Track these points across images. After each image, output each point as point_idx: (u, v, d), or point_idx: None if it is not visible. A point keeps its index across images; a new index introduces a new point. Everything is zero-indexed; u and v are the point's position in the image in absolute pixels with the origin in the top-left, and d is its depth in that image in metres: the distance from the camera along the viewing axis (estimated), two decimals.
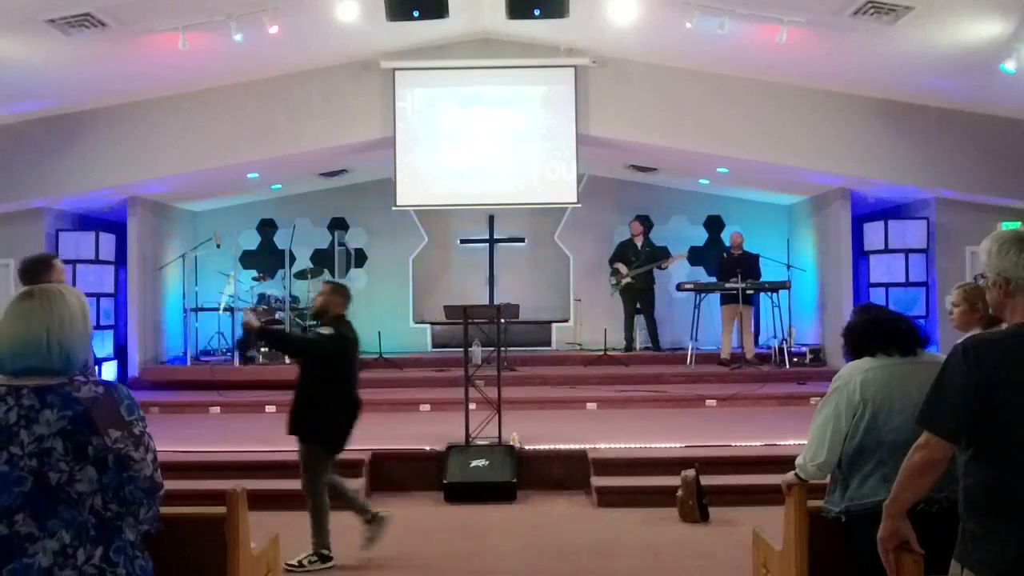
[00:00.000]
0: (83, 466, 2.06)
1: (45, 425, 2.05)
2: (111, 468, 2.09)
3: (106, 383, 2.17)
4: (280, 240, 12.40)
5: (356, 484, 6.36)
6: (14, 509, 2.03)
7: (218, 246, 10.70)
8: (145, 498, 2.16)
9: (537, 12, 8.07)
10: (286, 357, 10.16)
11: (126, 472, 2.11)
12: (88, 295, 9.54)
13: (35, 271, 4.31)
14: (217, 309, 10.92)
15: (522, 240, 12.74)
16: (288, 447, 6.95)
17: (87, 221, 10.91)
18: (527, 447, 6.81)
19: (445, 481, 6.45)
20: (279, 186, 12.14)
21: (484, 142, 10.24)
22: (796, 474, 3.25)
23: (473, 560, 5.17)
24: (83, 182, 9.64)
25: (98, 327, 10.15)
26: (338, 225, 12.62)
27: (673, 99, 9.71)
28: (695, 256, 12.70)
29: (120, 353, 10.68)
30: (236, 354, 10.33)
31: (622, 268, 11.40)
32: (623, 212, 12.42)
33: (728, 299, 10.64)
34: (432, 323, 12.48)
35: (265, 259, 12.38)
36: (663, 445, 6.94)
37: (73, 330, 2.18)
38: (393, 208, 10.63)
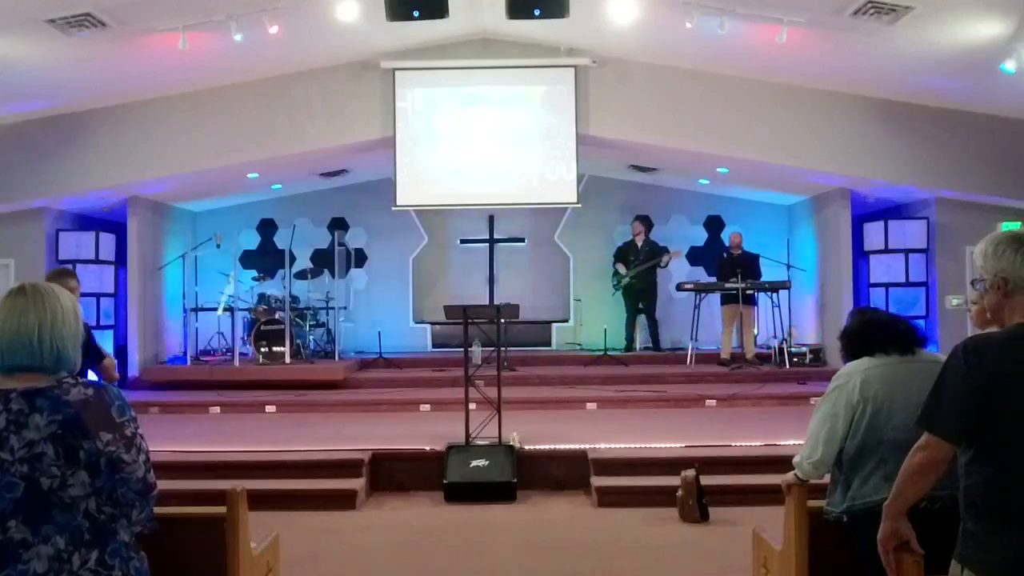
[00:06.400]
0: (75, 470, 2.03)
1: (35, 430, 2.02)
2: (103, 471, 2.06)
3: (96, 384, 2.12)
4: (280, 240, 12.40)
5: (356, 484, 6.38)
6: (7, 515, 2.00)
7: (218, 246, 10.69)
8: (137, 499, 2.14)
9: (537, 12, 8.07)
10: (286, 357, 10.19)
11: (118, 475, 2.09)
12: (88, 295, 9.50)
13: (56, 276, 4.47)
14: (217, 309, 10.93)
15: (522, 240, 12.74)
16: (288, 447, 6.99)
17: (87, 221, 10.90)
18: (527, 447, 6.80)
19: (445, 481, 6.44)
20: (279, 186, 12.14)
21: (484, 142, 10.23)
22: (795, 474, 3.25)
23: (473, 560, 5.17)
24: (83, 182, 9.64)
25: (98, 327, 10.15)
26: (338, 225, 12.62)
27: (673, 99, 9.71)
28: (695, 256, 12.70)
29: (120, 353, 10.67)
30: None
31: (621, 268, 11.42)
32: (623, 212, 12.43)
33: (728, 299, 10.64)
34: (432, 323, 12.50)
35: (265, 259, 12.38)
36: (663, 445, 6.93)
37: (65, 328, 2.15)
38: (393, 208, 10.63)
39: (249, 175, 10.79)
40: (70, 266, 8.85)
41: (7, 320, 2.12)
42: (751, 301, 10.68)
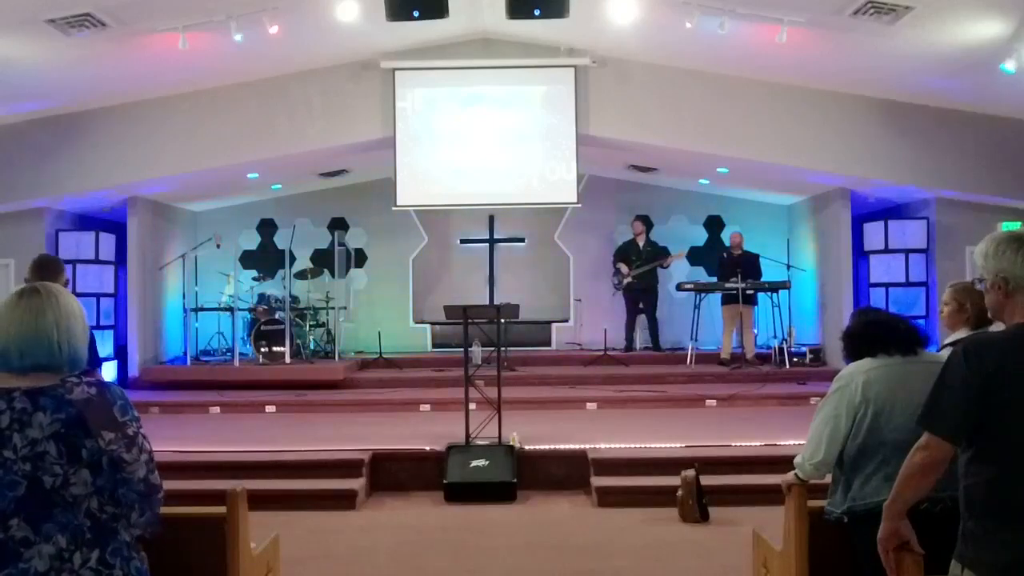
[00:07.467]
0: (77, 469, 2.04)
1: (38, 428, 2.03)
2: (105, 470, 2.07)
3: (99, 384, 2.13)
4: (280, 240, 12.40)
5: (356, 484, 6.39)
6: (8, 514, 2.01)
7: (218, 246, 10.70)
8: (138, 500, 2.14)
9: (537, 12, 8.07)
10: (286, 357, 10.19)
11: (120, 474, 2.09)
12: (88, 295, 9.53)
13: (47, 270, 4.45)
14: (217, 309, 10.91)
15: (522, 240, 12.74)
16: (288, 447, 6.99)
17: (87, 221, 10.90)
18: (527, 447, 6.80)
19: (445, 481, 6.44)
20: (279, 186, 12.13)
21: (484, 142, 10.23)
22: (795, 474, 3.25)
23: (473, 560, 5.17)
24: (83, 182, 9.63)
25: (98, 327, 10.15)
26: (338, 225, 12.62)
27: (673, 99, 9.71)
28: (695, 256, 12.70)
29: (120, 353, 10.68)
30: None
31: (623, 268, 11.42)
32: (623, 212, 12.42)
33: (729, 299, 10.65)
34: (432, 323, 12.50)
35: (265, 259, 12.38)
36: (663, 445, 6.93)
37: (77, 327, 2.18)
38: (393, 208, 10.63)
39: (249, 175, 10.79)
40: (68, 266, 8.84)
41: (24, 319, 2.13)
42: (751, 301, 10.69)
